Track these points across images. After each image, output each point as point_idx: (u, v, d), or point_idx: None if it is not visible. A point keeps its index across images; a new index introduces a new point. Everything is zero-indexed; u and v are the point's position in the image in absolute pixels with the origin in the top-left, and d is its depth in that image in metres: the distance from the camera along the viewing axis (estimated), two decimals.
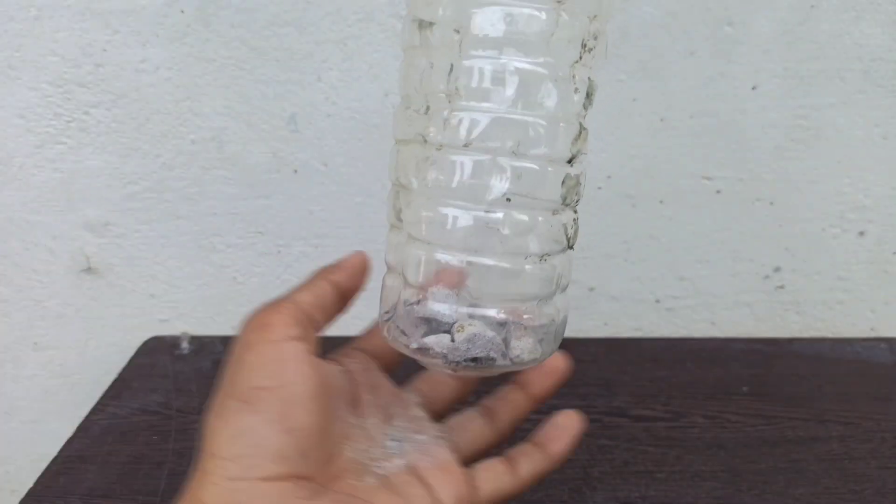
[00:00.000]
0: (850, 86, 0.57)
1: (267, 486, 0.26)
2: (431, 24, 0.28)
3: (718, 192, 0.61)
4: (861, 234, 0.62)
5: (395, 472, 0.29)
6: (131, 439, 0.51)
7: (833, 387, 0.56)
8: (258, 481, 0.26)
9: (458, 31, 0.27)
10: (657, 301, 0.66)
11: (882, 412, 0.53)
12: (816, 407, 0.53)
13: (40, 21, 0.55)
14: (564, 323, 0.31)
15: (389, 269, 0.31)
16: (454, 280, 0.29)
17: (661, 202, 0.62)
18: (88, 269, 0.65)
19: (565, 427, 0.32)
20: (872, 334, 0.66)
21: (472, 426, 0.33)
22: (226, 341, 0.63)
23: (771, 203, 0.61)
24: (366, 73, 0.57)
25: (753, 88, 0.57)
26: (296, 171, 0.61)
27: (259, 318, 0.29)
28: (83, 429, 0.52)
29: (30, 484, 0.47)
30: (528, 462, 0.31)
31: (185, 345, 0.62)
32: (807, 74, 0.57)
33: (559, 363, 0.32)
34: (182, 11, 0.55)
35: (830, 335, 0.66)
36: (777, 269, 0.64)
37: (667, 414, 0.52)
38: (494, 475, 0.31)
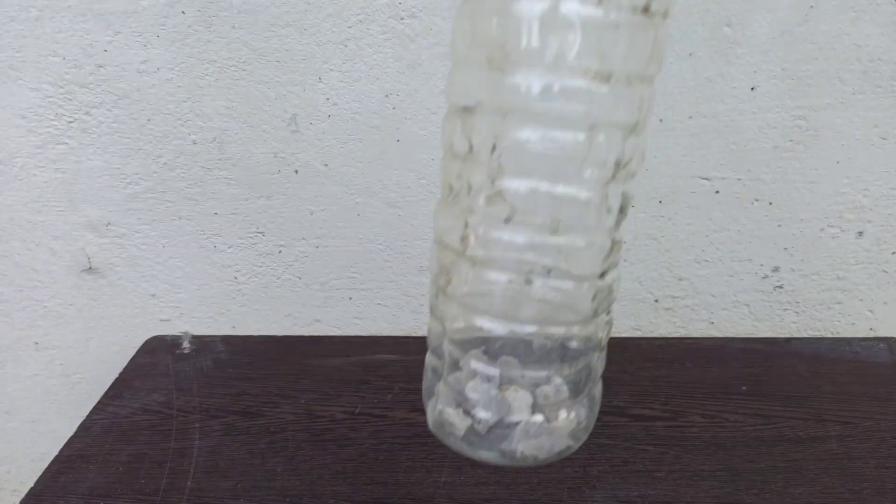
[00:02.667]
0: (849, 86, 0.57)
1: None
2: (471, 147, 0.29)
3: (717, 192, 0.61)
4: (860, 234, 0.63)
5: None
6: (132, 439, 0.51)
7: (832, 386, 0.56)
8: None
9: (493, 151, 0.27)
10: (656, 301, 0.66)
11: (881, 412, 0.53)
12: (815, 406, 0.53)
13: (41, 21, 0.55)
14: (597, 408, 0.31)
15: (430, 350, 0.31)
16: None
17: (659, 202, 0.62)
18: (90, 269, 0.65)
19: None
20: (871, 334, 0.66)
21: None
22: (227, 341, 0.64)
23: (770, 203, 0.61)
24: (366, 75, 0.57)
25: (752, 89, 0.57)
26: (297, 171, 0.61)
27: None
28: (84, 428, 0.53)
29: (31, 483, 0.47)
30: None
31: (186, 344, 0.63)
32: (805, 75, 0.57)
33: None
34: (183, 13, 0.55)
35: (829, 335, 0.66)
36: (776, 269, 0.64)
37: (665, 413, 0.52)
38: None
